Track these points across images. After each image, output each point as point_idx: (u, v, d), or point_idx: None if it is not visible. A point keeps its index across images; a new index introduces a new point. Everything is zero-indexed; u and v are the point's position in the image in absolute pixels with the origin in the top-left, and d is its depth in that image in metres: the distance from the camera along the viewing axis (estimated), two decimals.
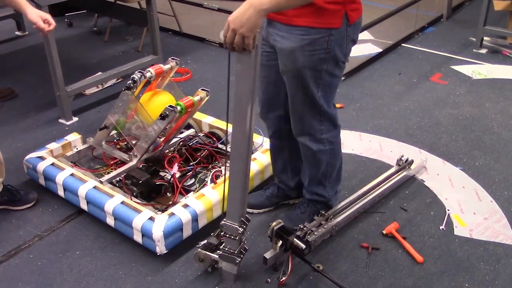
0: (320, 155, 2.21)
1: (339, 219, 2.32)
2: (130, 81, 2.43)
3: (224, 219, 2.00)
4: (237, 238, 1.99)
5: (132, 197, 2.39)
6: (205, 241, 2.12)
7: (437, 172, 2.79)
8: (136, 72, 2.46)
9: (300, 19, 1.88)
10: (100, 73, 3.71)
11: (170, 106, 2.37)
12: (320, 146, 2.18)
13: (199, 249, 2.11)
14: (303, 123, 2.14)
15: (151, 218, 2.18)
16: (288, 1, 1.64)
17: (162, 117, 2.37)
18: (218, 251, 2.06)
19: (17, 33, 4.82)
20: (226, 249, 2.03)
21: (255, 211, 2.50)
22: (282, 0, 1.61)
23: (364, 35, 4.38)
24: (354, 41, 2.04)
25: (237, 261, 2.03)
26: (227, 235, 2.00)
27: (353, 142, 3.08)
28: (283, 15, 1.90)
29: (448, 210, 2.51)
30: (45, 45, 3.14)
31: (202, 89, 2.54)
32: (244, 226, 2.01)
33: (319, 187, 2.32)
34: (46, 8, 3.03)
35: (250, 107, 1.76)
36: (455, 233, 2.37)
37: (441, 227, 2.40)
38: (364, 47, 4.37)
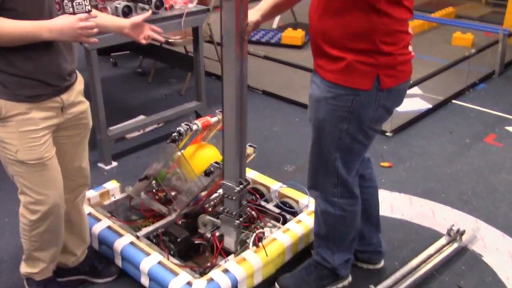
0: (326, 217, 2.09)
1: None
2: (175, 134, 2.34)
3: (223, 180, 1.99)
4: (234, 198, 1.94)
5: (169, 256, 2.26)
6: None
7: (496, 247, 2.57)
8: (182, 124, 2.36)
9: (330, 74, 1.84)
10: (142, 116, 3.66)
11: (216, 162, 2.26)
12: (328, 207, 2.06)
13: (202, 214, 2.20)
14: (315, 178, 2.06)
15: (189, 283, 2.04)
16: None
17: (207, 173, 2.26)
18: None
19: None
20: (226, 210, 1.99)
21: None
22: None
23: (412, 90, 4.23)
24: (387, 109, 1.92)
25: (235, 223, 1.99)
26: (225, 196, 1.96)
27: (403, 206, 2.90)
28: (320, 67, 1.88)
29: None
30: (90, 86, 3.11)
31: (249, 145, 2.42)
32: (242, 186, 1.95)
33: (326, 251, 2.17)
34: (95, 49, 3.01)
35: (239, 50, 1.76)
36: None
37: None
38: (413, 102, 4.22)
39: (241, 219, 2.04)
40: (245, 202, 2.06)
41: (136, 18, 2.11)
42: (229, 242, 2.05)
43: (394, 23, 1.78)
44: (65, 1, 1.77)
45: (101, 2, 3.24)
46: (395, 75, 1.85)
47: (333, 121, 1.88)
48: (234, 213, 1.99)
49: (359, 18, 1.75)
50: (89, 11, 1.79)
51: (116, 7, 2.97)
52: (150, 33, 2.14)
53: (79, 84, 2.02)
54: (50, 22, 1.70)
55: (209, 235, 2.35)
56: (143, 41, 2.13)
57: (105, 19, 2.08)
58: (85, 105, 2.05)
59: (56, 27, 1.68)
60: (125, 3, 3.00)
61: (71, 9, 1.78)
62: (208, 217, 2.12)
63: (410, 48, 1.91)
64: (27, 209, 1.93)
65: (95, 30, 1.75)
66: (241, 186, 1.96)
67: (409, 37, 1.89)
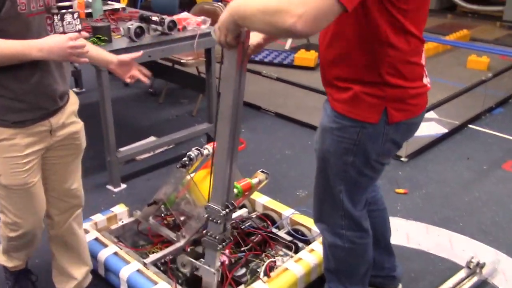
0: (334, 250, 1.99)
1: None
2: (186, 158, 2.28)
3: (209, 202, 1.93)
4: (218, 221, 1.88)
5: (177, 285, 2.18)
6: None
7: None
8: (193, 149, 2.31)
9: (337, 104, 1.76)
10: (152, 137, 3.61)
11: None
12: (336, 240, 1.96)
13: (182, 254, 2.14)
14: (321, 210, 1.98)
15: None
16: (251, 14, 1.47)
17: None
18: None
19: (74, 89, 4.85)
20: (209, 234, 1.93)
21: None
22: (247, 11, 1.48)
23: (428, 114, 4.14)
24: (396, 143, 1.82)
25: (218, 248, 1.93)
26: (210, 219, 1.91)
27: (420, 235, 2.80)
28: (330, 95, 1.80)
29: None
30: (100, 106, 3.07)
31: (261, 171, 2.36)
32: (227, 210, 1.88)
33: (338, 286, 2.07)
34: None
35: (233, 103, 1.76)
36: None
37: None
38: (428, 126, 4.13)
39: (224, 243, 1.98)
40: (230, 227, 2.00)
41: (125, 56, 2.07)
42: (207, 284, 1.98)
43: (401, 54, 1.66)
44: (55, 21, 1.76)
45: (114, 23, 3.23)
46: (406, 109, 1.74)
47: (338, 153, 1.80)
48: (217, 238, 1.92)
49: (362, 49, 1.65)
50: (79, 31, 1.76)
51: (129, 28, 2.94)
52: (136, 73, 2.11)
53: (72, 105, 1.98)
54: (40, 41, 1.67)
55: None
56: (128, 80, 2.11)
57: (94, 50, 2.04)
58: (78, 126, 2.01)
59: (46, 46, 1.66)
60: (137, 24, 2.97)
61: (61, 29, 1.77)
62: (187, 257, 2.09)
63: (426, 80, 1.78)
64: (5, 226, 1.96)
65: (86, 49, 1.72)
66: (227, 210, 1.88)
67: (421, 68, 1.76)
